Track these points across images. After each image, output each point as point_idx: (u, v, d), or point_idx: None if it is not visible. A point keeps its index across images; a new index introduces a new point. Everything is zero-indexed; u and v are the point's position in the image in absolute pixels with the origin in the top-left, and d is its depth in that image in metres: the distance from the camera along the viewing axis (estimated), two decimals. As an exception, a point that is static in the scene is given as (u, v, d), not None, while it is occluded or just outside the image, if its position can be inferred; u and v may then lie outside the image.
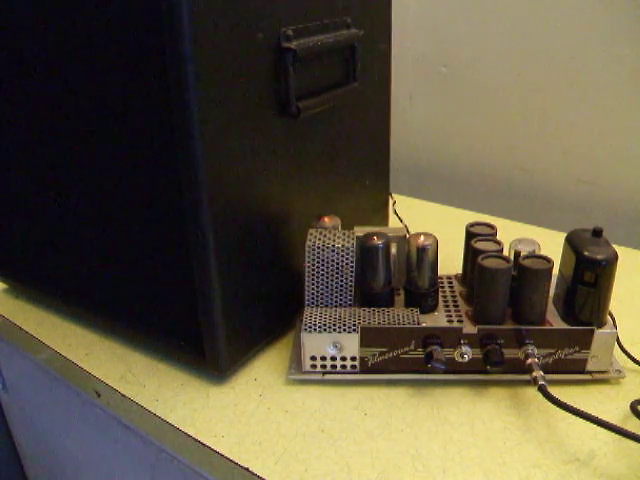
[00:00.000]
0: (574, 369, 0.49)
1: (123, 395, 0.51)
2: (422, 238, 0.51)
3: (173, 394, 0.51)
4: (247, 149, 0.47)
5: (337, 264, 0.51)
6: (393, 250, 0.54)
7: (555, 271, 0.50)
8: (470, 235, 0.55)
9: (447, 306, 0.53)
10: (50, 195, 0.57)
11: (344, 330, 0.49)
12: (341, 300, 0.52)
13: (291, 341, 0.57)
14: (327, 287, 0.51)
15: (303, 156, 0.54)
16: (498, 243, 0.53)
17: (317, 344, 0.49)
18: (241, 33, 0.44)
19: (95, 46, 0.45)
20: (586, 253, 0.47)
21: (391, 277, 0.53)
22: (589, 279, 0.47)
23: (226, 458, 0.45)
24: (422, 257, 0.51)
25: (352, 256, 0.50)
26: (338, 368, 0.50)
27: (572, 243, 0.49)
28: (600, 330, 0.48)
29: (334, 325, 0.49)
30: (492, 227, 0.56)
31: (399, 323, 0.49)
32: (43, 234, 0.61)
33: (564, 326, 0.49)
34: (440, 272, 0.54)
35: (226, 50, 0.42)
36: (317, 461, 0.44)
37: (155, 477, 0.58)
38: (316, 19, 0.52)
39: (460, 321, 0.51)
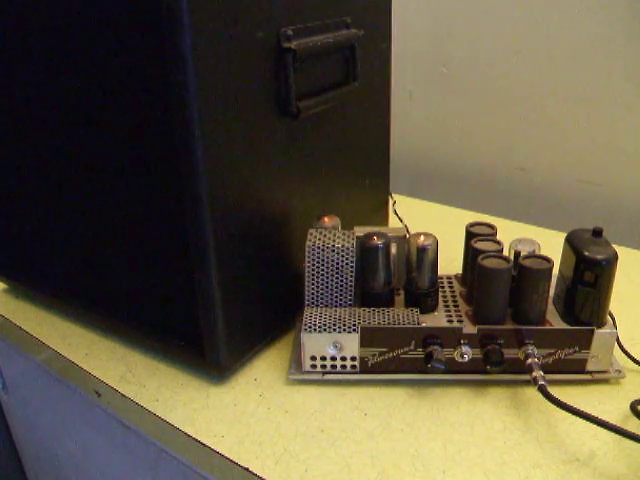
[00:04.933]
0: (574, 369, 0.49)
1: (123, 395, 0.51)
2: (422, 238, 0.51)
3: (173, 394, 0.51)
4: (247, 149, 0.47)
5: (337, 264, 0.51)
6: (393, 250, 0.54)
7: (555, 271, 0.50)
8: (470, 235, 0.55)
9: (447, 306, 0.53)
10: (50, 195, 0.57)
11: (344, 330, 0.49)
12: (341, 300, 0.52)
13: (291, 341, 0.57)
14: (327, 287, 0.51)
15: (303, 156, 0.54)
16: (498, 243, 0.53)
17: (317, 344, 0.49)
18: (241, 33, 0.44)
19: (95, 46, 0.45)
20: (586, 253, 0.47)
21: (391, 277, 0.53)
22: (589, 279, 0.47)
23: (226, 458, 0.45)
24: (422, 257, 0.51)
25: (352, 256, 0.50)
26: (338, 368, 0.50)
27: (572, 243, 0.49)
28: (600, 330, 0.48)
29: (334, 325, 0.49)
30: (492, 227, 0.56)
31: (399, 323, 0.49)
32: (43, 234, 0.61)
33: (564, 326, 0.49)
34: (440, 272, 0.54)
35: (226, 50, 0.42)
36: (317, 461, 0.44)
37: (155, 477, 0.58)
38: (316, 19, 0.52)
39: (460, 321, 0.51)
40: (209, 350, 0.49)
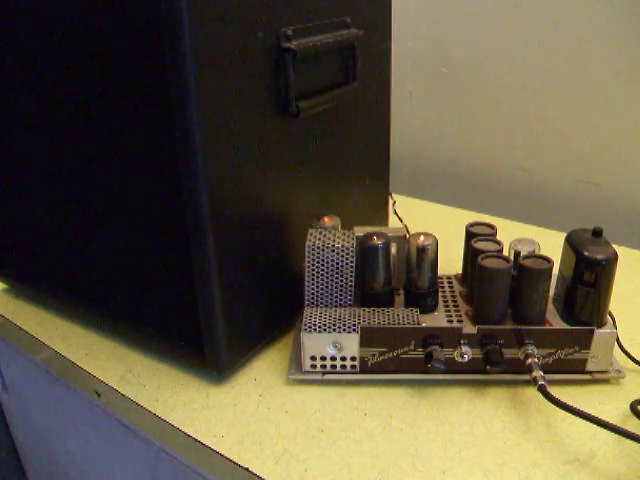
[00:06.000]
0: (574, 369, 0.49)
1: (123, 395, 0.51)
2: (422, 238, 0.51)
3: (173, 394, 0.51)
4: (247, 149, 0.47)
5: (337, 264, 0.51)
6: (393, 250, 0.54)
7: (555, 271, 0.50)
8: (470, 235, 0.55)
9: (447, 306, 0.53)
10: (50, 195, 0.57)
11: (344, 330, 0.49)
12: (341, 300, 0.52)
13: (291, 341, 0.57)
14: (327, 287, 0.51)
15: (303, 156, 0.54)
16: (498, 243, 0.53)
17: (317, 344, 0.49)
18: (241, 33, 0.44)
19: (95, 46, 0.45)
20: (586, 253, 0.47)
21: (391, 277, 0.53)
22: (589, 279, 0.47)
23: (226, 458, 0.45)
24: (422, 257, 0.51)
25: (352, 256, 0.50)
26: (338, 368, 0.50)
27: (572, 243, 0.49)
28: (600, 330, 0.48)
29: (334, 325, 0.49)
30: (492, 227, 0.56)
31: (399, 323, 0.49)
32: (43, 234, 0.61)
33: (564, 326, 0.49)
34: (440, 272, 0.54)
35: (226, 50, 0.42)
36: (317, 461, 0.44)
37: (155, 477, 0.58)
38: (316, 19, 0.52)
39: (460, 321, 0.51)
40: (209, 350, 0.49)
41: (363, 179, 0.67)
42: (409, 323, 0.49)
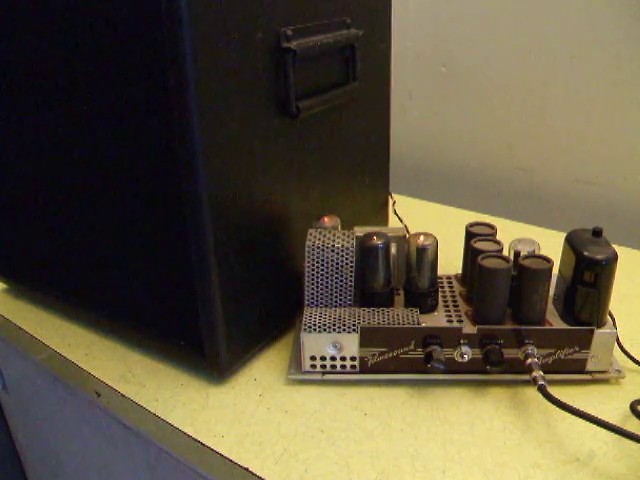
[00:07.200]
0: (574, 369, 0.49)
1: (123, 395, 0.51)
2: (422, 238, 0.51)
3: (173, 394, 0.51)
4: (247, 149, 0.47)
5: (337, 264, 0.51)
6: (393, 250, 0.54)
7: (555, 271, 0.50)
8: (470, 235, 0.55)
9: (447, 306, 0.53)
10: (51, 196, 0.57)
11: (344, 330, 0.49)
12: (341, 300, 0.52)
13: (291, 341, 0.57)
14: (327, 287, 0.51)
15: (303, 156, 0.54)
16: (498, 243, 0.53)
17: (317, 344, 0.49)
18: (241, 33, 0.44)
19: (95, 46, 0.45)
20: (586, 253, 0.47)
21: (391, 277, 0.53)
22: (589, 279, 0.47)
23: (226, 458, 0.45)
24: (422, 257, 0.51)
25: (352, 256, 0.50)
26: (338, 368, 0.50)
27: (572, 243, 0.49)
28: (600, 330, 0.48)
29: (334, 325, 0.49)
30: (492, 227, 0.56)
31: (399, 323, 0.49)
32: (43, 235, 0.61)
33: (564, 326, 0.49)
34: (440, 272, 0.54)
35: (226, 50, 0.42)
36: (317, 461, 0.44)
37: (155, 477, 0.58)
38: (316, 19, 0.52)
39: (460, 321, 0.51)
40: (209, 350, 0.49)
41: (363, 179, 0.67)
42: (409, 323, 0.49)
